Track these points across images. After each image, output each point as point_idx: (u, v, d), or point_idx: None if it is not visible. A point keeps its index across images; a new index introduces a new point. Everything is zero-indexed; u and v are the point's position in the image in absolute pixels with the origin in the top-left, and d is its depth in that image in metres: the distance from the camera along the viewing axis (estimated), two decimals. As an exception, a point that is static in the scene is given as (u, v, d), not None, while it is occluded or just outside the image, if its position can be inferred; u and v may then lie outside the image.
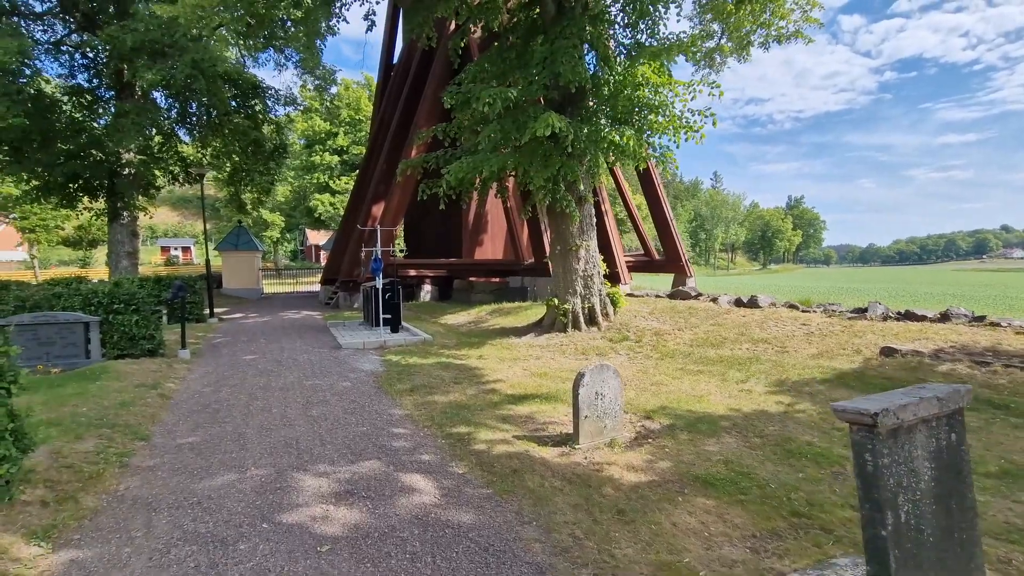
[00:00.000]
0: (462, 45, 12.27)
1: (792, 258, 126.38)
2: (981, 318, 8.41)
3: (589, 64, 10.05)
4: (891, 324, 8.78)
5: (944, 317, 8.67)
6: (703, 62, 13.77)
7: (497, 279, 18.55)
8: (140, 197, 20.47)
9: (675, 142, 9.46)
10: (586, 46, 10.27)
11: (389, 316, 11.71)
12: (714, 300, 12.07)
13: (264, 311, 18.76)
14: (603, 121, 9.63)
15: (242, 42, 22.41)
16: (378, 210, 18.06)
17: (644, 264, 20.38)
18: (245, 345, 11.47)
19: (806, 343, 8.64)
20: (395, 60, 23.01)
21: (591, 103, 10.13)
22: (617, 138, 8.92)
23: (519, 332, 11.73)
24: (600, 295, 11.25)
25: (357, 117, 49.44)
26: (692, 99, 9.36)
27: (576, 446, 5.29)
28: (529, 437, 5.57)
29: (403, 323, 12.59)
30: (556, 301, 11.18)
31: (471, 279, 19.17)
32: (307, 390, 7.48)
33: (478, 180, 10.89)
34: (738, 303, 11.63)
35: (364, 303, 14.27)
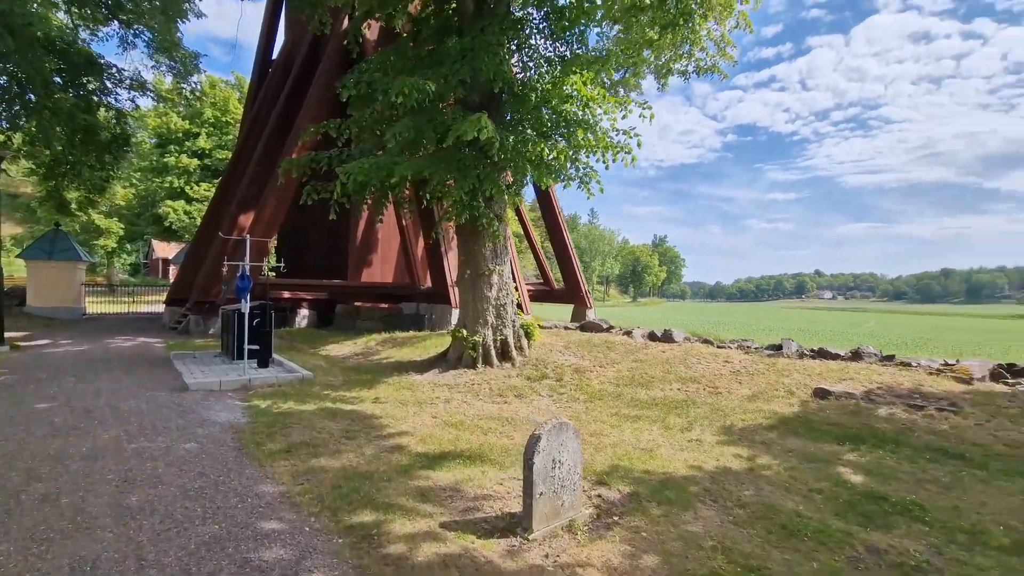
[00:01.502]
0: (362, 36, 10.69)
1: (657, 292, 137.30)
2: (890, 357, 8.61)
3: (514, 66, 9.05)
4: (810, 362, 8.68)
5: (856, 356, 8.77)
6: (608, 92, 13.59)
7: (387, 305, 16.63)
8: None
9: (604, 163, 8.72)
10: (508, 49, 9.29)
11: (257, 347, 9.43)
12: (628, 334, 11.50)
13: (84, 337, 14.85)
14: (529, 131, 8.60)
15: (75, 10, 18.43)
16: (247, 219, 15.34)
17: (543, 294, 19.70)
18: (42, 386, 8.43)
19: (736, 383, 8.17)
20: (274, 56, 20.49)
21: (516, 113, 9.08)
22: (547, 152, 7.93)
23: (420, 367, 10.10)
24: (514, 326, 10.08)
25: (224, 119, 44.18)
26: (624, 117, 8.72)
27: (529, 536, 3.94)
28: (462, 524, 4.10)
29: (275, 355, 10.31)
30: (464, 332, 9.78)
31: (357, 304, 17.01)
32: (128, 459, 5.23)
33: (375, 191, 9.27)
34: (652, 337, 11.16)
35: (223, 330, 11.62)
